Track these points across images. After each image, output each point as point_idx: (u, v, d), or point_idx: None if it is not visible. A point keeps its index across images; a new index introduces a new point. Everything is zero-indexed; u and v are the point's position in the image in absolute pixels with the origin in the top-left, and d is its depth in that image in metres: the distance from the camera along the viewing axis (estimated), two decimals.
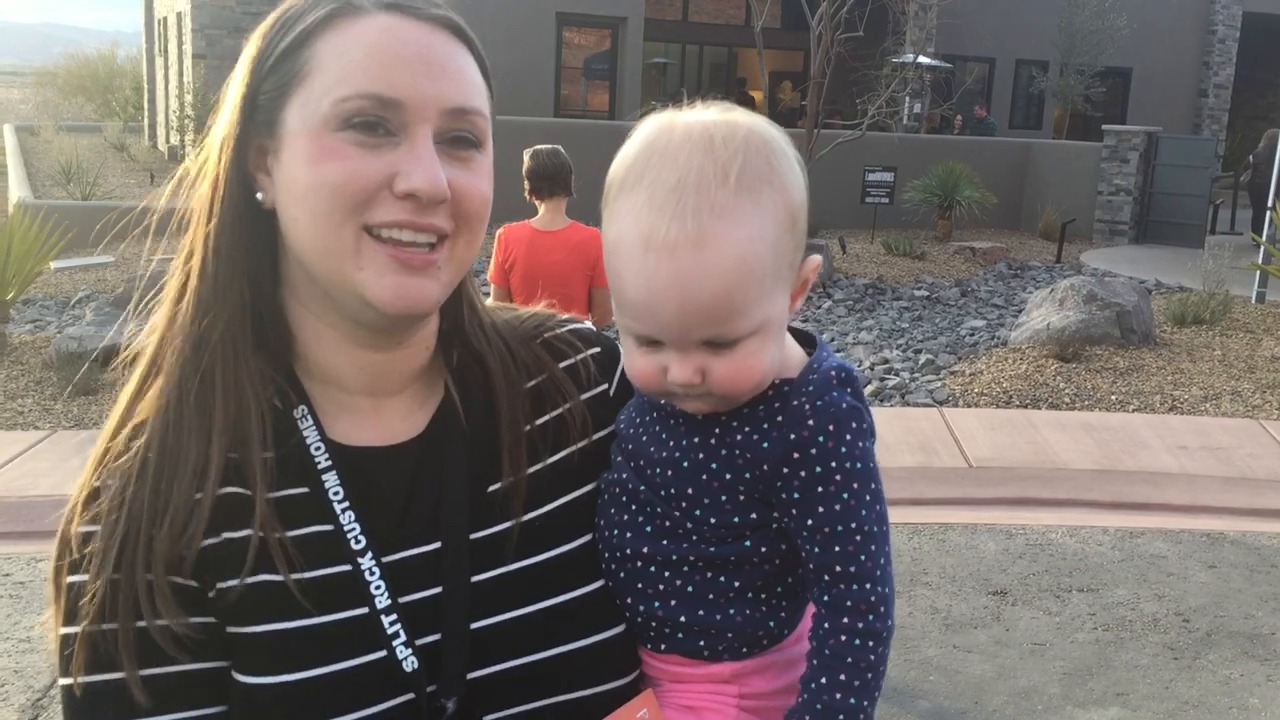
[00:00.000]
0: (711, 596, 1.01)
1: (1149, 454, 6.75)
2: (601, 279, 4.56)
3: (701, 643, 1.02)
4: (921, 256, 13.94)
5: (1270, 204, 12.58)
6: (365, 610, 0.95)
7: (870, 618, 0.98)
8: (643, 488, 1.04)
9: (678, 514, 1.02)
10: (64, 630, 0.94)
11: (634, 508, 1.04)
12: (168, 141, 21.88)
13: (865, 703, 0.97)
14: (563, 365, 1.12)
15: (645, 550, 1.03)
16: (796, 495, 0.98)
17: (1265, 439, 7.03)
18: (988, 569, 5.20)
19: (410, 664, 0.94)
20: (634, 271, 0.96)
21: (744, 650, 1.03)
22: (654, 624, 1.03)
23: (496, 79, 1.03)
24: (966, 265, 13.93)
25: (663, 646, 1.04)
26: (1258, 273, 11.81)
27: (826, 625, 0.98)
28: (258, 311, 1.00)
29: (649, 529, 1.03)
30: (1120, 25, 22.47)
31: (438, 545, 1.00)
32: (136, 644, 0.92)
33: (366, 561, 0.97)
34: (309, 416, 1.01)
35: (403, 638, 0.95)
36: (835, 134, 13.67)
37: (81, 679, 0.92)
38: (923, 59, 16.89)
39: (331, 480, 0.98)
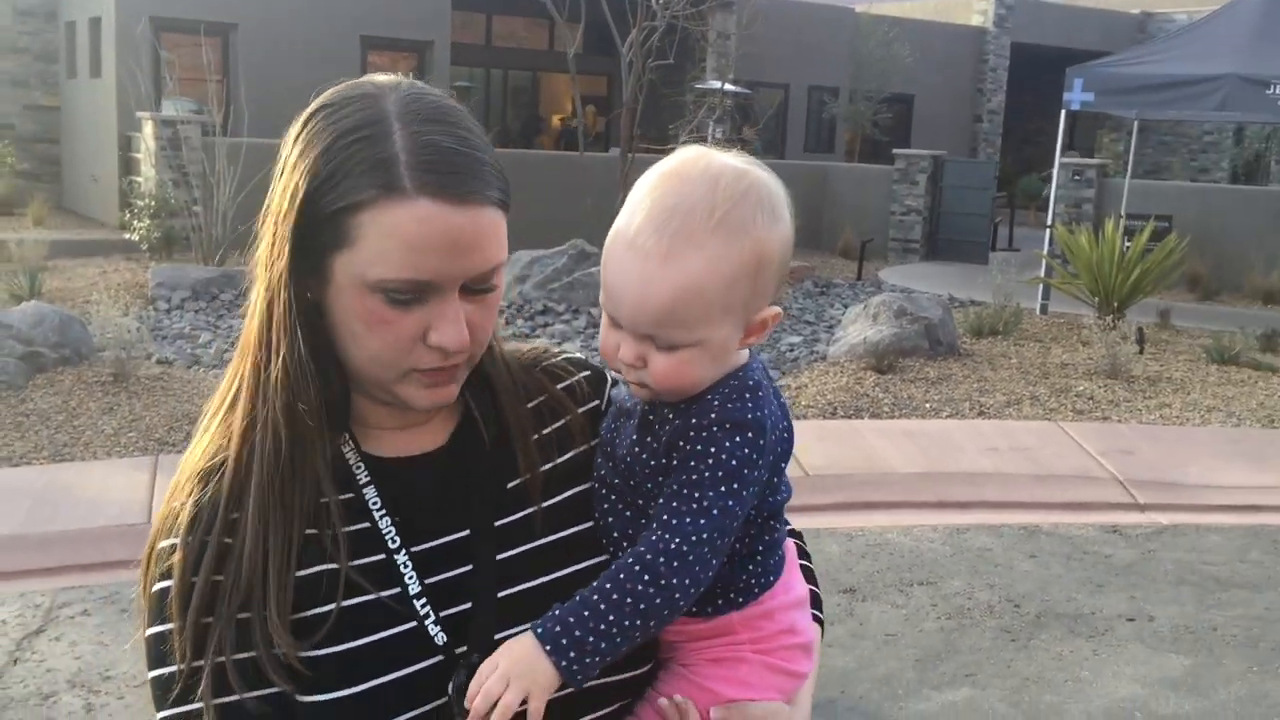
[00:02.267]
0: None
1: (965, 456, 7.29)
2: None
3: (703, 595, 1.19)
4: None
5: (1050, 222, 13.64)
6: (399, 590, 1.15)
7: (661, 569, 1.11)
8: (616, 480, 1.23)
9: (643, 498, 1.20)
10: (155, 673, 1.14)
11: (614, 497, 1.23)
12: None
13: (624, 623, 1.10)
14: (560, 386, 1.33)
15: (630, 531, 1.21)
16: (675, 462, 1.16)
17: (1064, 439, 7.68)
18: (835, 569, 5.56)
19: (440, 638, 1.14)
20: (614, 261, 1.16)
21: (740, 600, 1.22)
22: None
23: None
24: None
25: None
26: (1041, 286, 12.78)
27: (629, 557, 1.13)
28: (318, 383, 1.16)
29: (628, 513, 1.22)
30: (903, 54, 23.83)
31: (465, 533, 1.19)
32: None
33: (401, 556, 1.16)
34: (350, 441, 1.20)
35: (432, 616, 1.14)
36: (649, 158, 14.05)
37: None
38: (727, 86, 17.52)
39: (370, 492, 1.18)
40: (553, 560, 1.21)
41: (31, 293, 10.35)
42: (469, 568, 1.18)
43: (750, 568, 1.22)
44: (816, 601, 1.37)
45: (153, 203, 13.33)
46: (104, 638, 4.59)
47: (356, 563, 1.13)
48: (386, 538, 1.16)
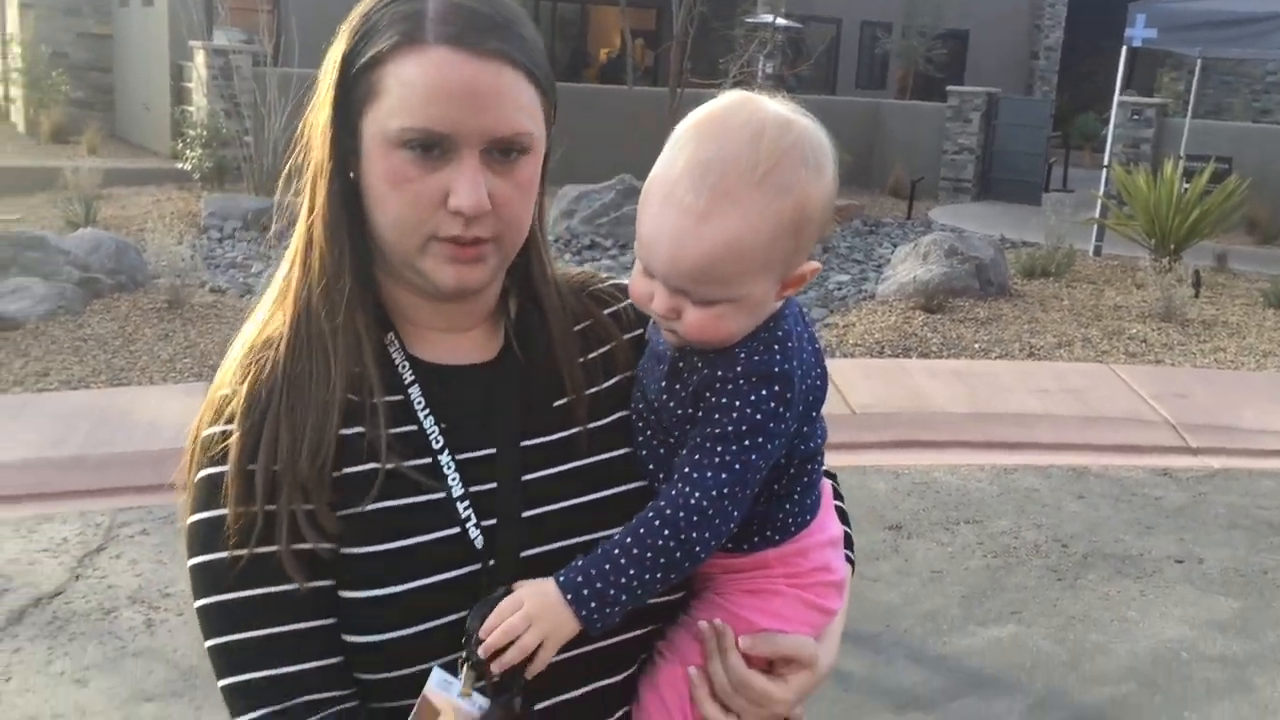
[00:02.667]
0: None
1: (1015, 397, 7.24)
2: None
3: (737, 531, 1.18)
4: None
5: (1106, 162, 13.39)
6: (443, 495, 1.15)
7: (681, 522, 1.11)
8: (651, 416, 1.23)
9: (673, 439, 1.20)
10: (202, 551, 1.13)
11: (648, 431, 1.23)
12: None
13: (645, 575, 1.10)
14: (607, 312, 1.33)
15: (663, 465, 1.21)
16: (701, 414, 1.15)
17: (1116, 381, 7.60)
18: (881, 506, 5.56)
19: (479, 541, 1.14)
20: (649, 212, 1.13)
21: (776, 538, 1.22)
22: None
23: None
24: None
25: None
26: (1095, 227, 12.58)
27: (649, 511, 1.13)
28: (361, 269, 1.18)
29: (662, 451, 1.22)
30: None
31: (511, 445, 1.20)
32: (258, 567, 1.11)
33: (444, 457, 1.16)
34: (395, 341, 1.20)
35: (474, 520, 1.15)
36: (698, 93, 13.92)
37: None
38: (779, 20, 17.25)
39: (415, 392, 1.19)
40: (598, 480, 1.22)
41: (87, 220, 10.48)
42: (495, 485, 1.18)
43: (787, 507, 1.22)
44: (848, 542, 1.37)
45: (204, 132, 13.39)
46: (163, 556, 4.70)
47: (403, 465, 1.14)
48: (431, 438, 1.17)
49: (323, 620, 1.11)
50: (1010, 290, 9.95)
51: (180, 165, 13.75)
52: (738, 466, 1.12)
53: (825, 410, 1.26)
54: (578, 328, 1.30)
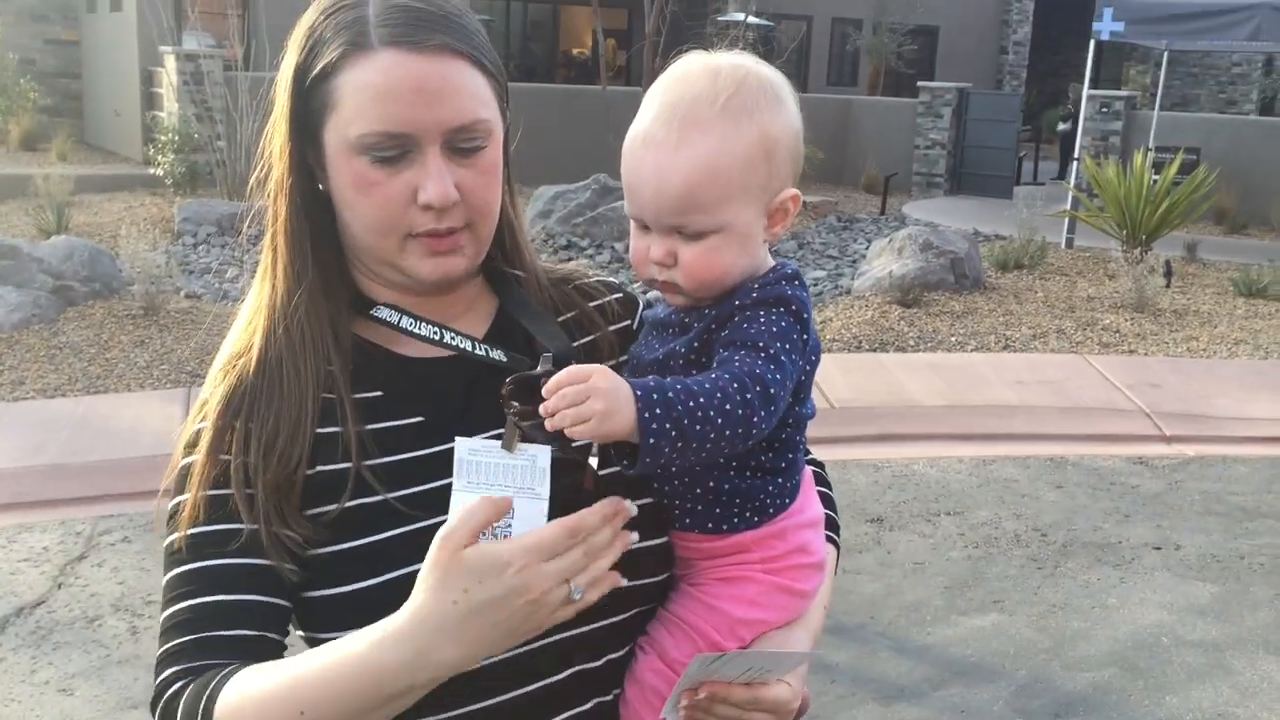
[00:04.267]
0: (716, 473, 1.22)
1: (991, 389, 7.30)
2: None
3: (717, 510, 1.22)
4: None
5: (1076, 154, 13.50)
6: (415, 490, 1.16)
7: (748, 395, 1.09)
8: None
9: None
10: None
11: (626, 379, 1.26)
12: None
13: (710, 413, 1.07)
14: (592, 304, 1.36)
15: None
16: (725, 333, 1.17)
17: (1090, 372, 7.67)
18: (862, 499, 5.60)
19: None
20: (630, 160, 1.20)
21: (755, 520, 1.23)
22: (676, 501, 1.24)
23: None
24: (799, 219, 14.42)
25: (687, 521, 1.24)
26: (1067, 219, 12.68)
27: (717, 371, 1.12)
28: (332, 270, 1.22)
29: None
30: None
31: (496, 431, 1.19)
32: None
33: (418, 452, 1.18)
34: (395, 311, 1.22)
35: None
36: None
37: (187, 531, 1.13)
38: (750, 18, 17.29)
39: (395, 388, 1.21)
40: (579, 467, 1.23)
41: (59, 227, 10.41)
42: None
43: (770, 488, 1.24)
44: (834, 526, 1.40)
45: (176, 137, 13.33)
46: (145, 563, 4.68)
47: (371, 463, 1.15)
48: (408, 435, 1.18)
49: (261, 560, 1.12)
50: (985, 283, 10.03)
51: (152, 171, 13.68)
52: (784, 360, 1.14)
53: None
54: (562, 318, 1.32)
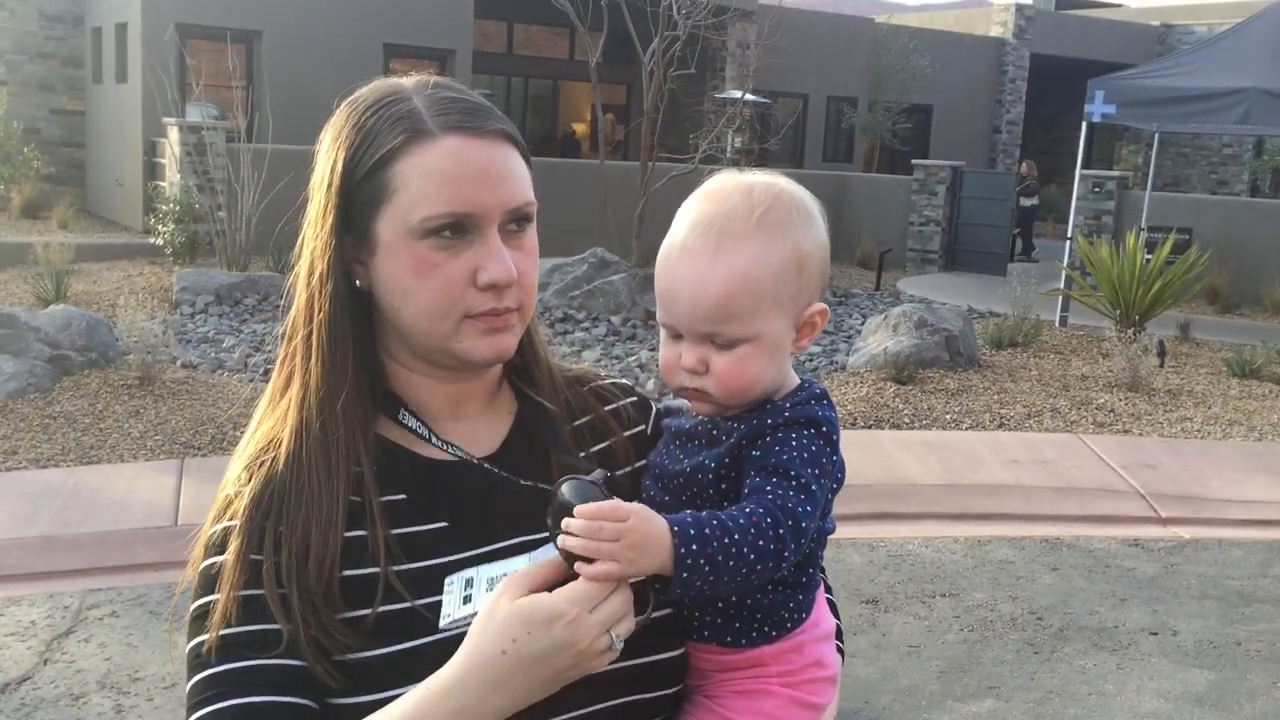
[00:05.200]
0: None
1: (986, 468, 7.29)
2: None
3: (737, 625, 1.22)
4: None
5: (1069, 234, 13.62)
6: (438, 598, 1.15)
7: (780, 529, 1.12)
8: (667, 497, 1.26)
9: (709, 497, 1.22)
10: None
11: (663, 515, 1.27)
12: None
13: (744, 550, 1.10)
14: (607, 408, 1.37)
15: None
16: (756, 454, 1.19)
17: (1085, 451, 7.67)
18: (857, 580, 5.57)
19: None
20: (665, 268, 1.23)
21: (773, 634, 1.24)
22: (696, 613, 1.24)
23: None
24: None
25: (706, 634, 1.24)
26: (1060, 298, 12.76)
27: (747, 508, 1.14)
28: (364, 369, 1.21)
29: None
30: (923, 65, 23.83)
31: (498, 546, 1.20)
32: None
33: (440, 559, 1.17)
34: (413, 418, 1.22)
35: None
36: (669, 167, 14.11)
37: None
38: (747, 96, 17.55)
39: (415, 494, 1.20)
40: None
41: (58, 296, 10.44)
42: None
43: (790, 604, 1.24)
44: (838, 634, 1.40)
45: (177, 208, 13.43)
46: (133, 639, 4.63)
47: (399, 568, 1.15)
48: (432, 541, 1.18)
49: (297, 662, 1.10)
50: (979, 361, 10.06)
51: (153, 240, 13.76)
52: (814, 488, 1.17)
53: None
54: (577, 422, 1.32)
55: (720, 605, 1.23)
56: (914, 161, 19.21)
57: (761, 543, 1.11)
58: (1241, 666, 4.80)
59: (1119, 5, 34.76)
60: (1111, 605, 5.39)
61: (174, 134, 14.56)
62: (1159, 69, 13.47)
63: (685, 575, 1.08)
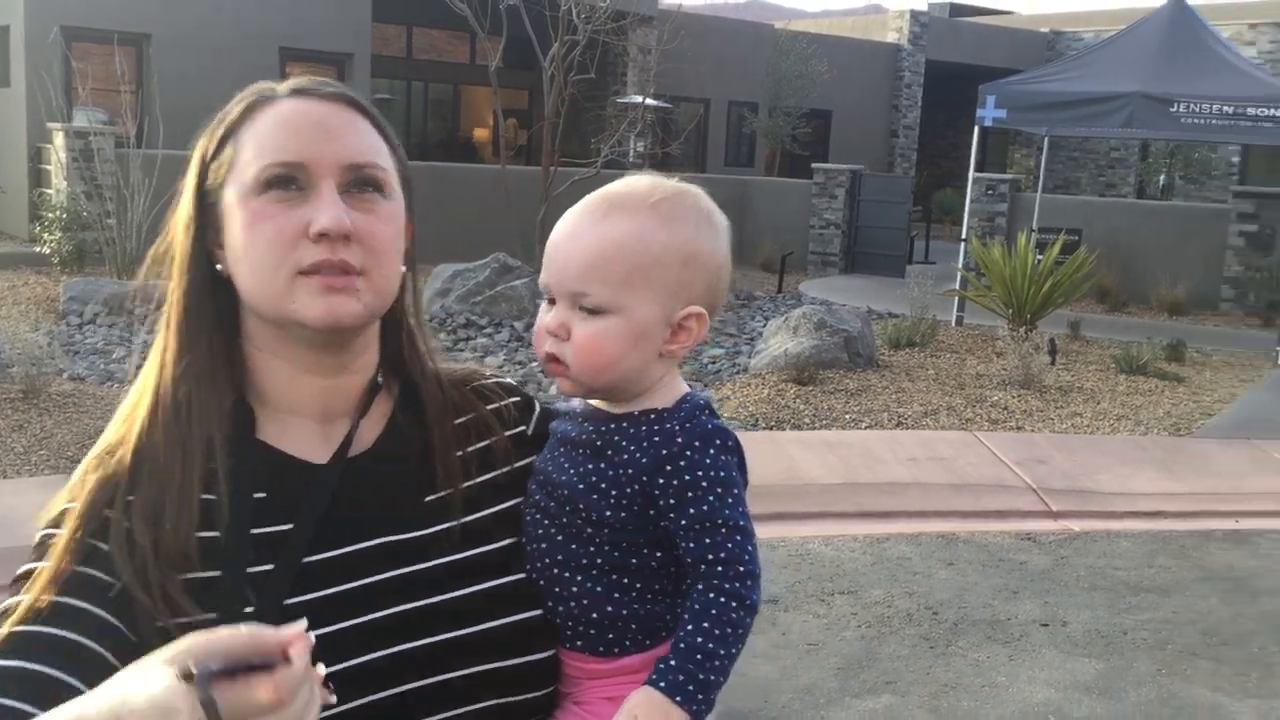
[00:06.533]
0: (618, 595, 1.22)
1: (884, 466, 7.41)
2: None
3: (610, 635, 1.22)
4: None
5: (964, 236, 13.92)
6: (301, 599, 1.13)
7: (740, 590, 1.18)
8: (552, 504, 1.25)
9: (580, 523, 1.22)
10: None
11: (547, 522, 1.25)
12: None
13: (731, 650, 1.17)
14: (490, 407, 1.34)
15: (560, 557, 1.23)
16: (672, 500, 1.19)
17: (980, 448, 7.84)
18: None
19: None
20: (555, 232, 1.25)
21: (647, 642, 1.24)
22: (570, 622, 1.23)
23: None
24: None
25: (578, 644, 1.24)
26: (956, 299, 13.03)
27: (706, 596, 1.18)
28: (223, 358, 1.20)
29: (560, 538, 1.23)
30: (821, 71, 24.16)
31: (361, 546, 1.18)
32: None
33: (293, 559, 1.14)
34: (254, 432, 1.20)
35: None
36: (570, 171, 14.10)
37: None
38: (648, 100, 17.62)
39: (273, 494, 1.17)
40: (468, 577, 1.21)
41: None
42: (355, 582, 1.15)
43: (668, 616, 1.23)
44: None
45: (64, 215, 13.04)
46: None
47: (256, 569, 1.12)
48: (284, 544, 1.14)
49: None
50: (878, 361, 10.22)
51: (38, 249, 13.34)
52: (744, 523, 1.20)
53: None
54: (458, 420, 1.30)
55: (595, 616, 1.22)
56: (814, 165, 19.47)
57: (741, 630, 1.17)
58: (1128, 655, 4.94)
59: (1010, 13, 35.65)
60: (1005, 598, 5.51)
61: (60, 139, 14.14)
62: (1048, 74, 13.85)
63: (705, 712, 1.15)
